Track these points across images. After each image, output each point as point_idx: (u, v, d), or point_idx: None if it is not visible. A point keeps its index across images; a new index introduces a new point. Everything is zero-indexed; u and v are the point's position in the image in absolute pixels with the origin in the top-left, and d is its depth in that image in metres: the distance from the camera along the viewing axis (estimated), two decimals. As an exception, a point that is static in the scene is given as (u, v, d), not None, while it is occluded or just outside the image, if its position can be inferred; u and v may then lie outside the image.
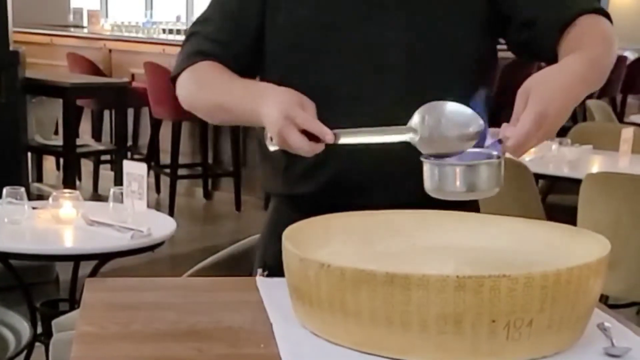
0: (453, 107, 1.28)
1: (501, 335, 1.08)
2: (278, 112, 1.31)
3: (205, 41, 1.58)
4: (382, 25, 1.50)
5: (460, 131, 1.26)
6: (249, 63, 1.58)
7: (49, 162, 6.53)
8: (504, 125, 1.26)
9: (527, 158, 3.98)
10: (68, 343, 1.20)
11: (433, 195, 1.25)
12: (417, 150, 1.28)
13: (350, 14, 1.51)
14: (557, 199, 4.17)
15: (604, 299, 3.22)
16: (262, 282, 1.41)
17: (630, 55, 9.73)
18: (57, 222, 2.92)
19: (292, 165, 1.52)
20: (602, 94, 8.56)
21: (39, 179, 6.10)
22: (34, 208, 3.04)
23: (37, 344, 2.96)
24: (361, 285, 1.09)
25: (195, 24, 1.64)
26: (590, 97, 7.91)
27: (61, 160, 6.08)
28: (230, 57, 1.56)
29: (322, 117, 1.34)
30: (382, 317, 1.10)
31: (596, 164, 4.10)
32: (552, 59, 1.41)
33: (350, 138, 1.31)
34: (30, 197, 3.67)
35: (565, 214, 3.21)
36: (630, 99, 9.75)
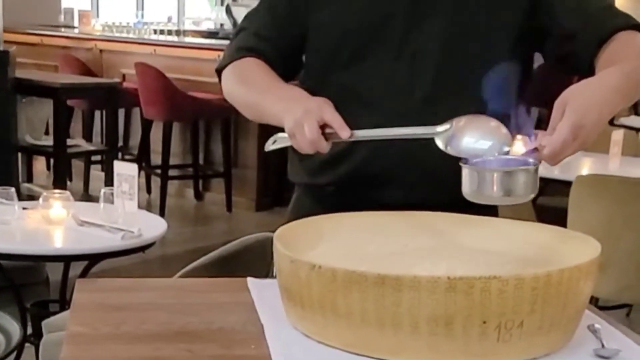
0: (487, 120, 1.34)
1: (492, 336, 1.08)
2: (302, 108, 1.37)
3: (253, 37, 1.62)
4: (423, 28, 1.53)
5: (481, 143, 1.32)
6: (294, 60, 1.63)
7: (40, 162, 6.51)
8: (541, 133, 1.30)
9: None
10: (58, 344, 1.20)
11: (470, 199, 1.28)
12: (437, 152, 1.32)
13: (394, 17, 1.54)
14: (547, 201, 4.17)
15: (594, 301, 3.23)
16: (254, 283, 1.41)
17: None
18: (48, 223, 2.91)
19: (312, 155, 1.54)
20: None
21: (29, 179, 6.09)
22: (24, 208, 3.02)
23: (27, 344, 2.96)
24: (352, 286, 1.10)
25: (245, 19, 1.69)
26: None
27: (51, 160, 6.06)
28: (277, 54, 1.60)
29: (354, 114, 1.40)
30: (373, 318, 1.10)
31: (586, 166, 4.11)
32: (589, 72, 1.45)
33: (364, 133, 1.37)
34: (21, 197, 3.66)
35: (556, 216, 3.22)
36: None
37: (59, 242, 2.91)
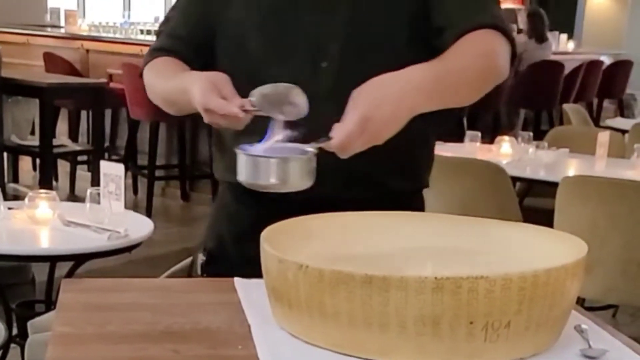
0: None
1: (479, 336, 1.08)
2: (199, 91, 1.36)
3: (167, 38, 1.66)
4: (327, 20, 1.53)
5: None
6: (209, 56, 1.62)
7: (25, 162, 6.48)
8: (336, 124, 1.27)
9: (504, 161, 4.01)
10: (44, 344, 1.19)
11: (247, 186, 1.27)
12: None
13: (296, 6, 1.54)
14: (534, 202, 4.19)
15: (580, 302, 3.24)
16: (240, 283, 1.40)
17: (606, 60, 9.82)
18: (33, 223, 2.89)
19: (230, 152, 1.54)
20: (578, 98, 8.64)
21: (15, 179, 6.06)
22: (9, 208, 3.01)
23: (12, 345, 2.94)
24: (339, 286, 1.09)
25: (161, 23, 1.73)
26: (566, 100, 7.99)
27: (37, 160, 6.04)
28: (190, 51, 1.62)
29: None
30: (361, 319, 1.10)
31: (572, 167, 4.13)
32: None
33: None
34: (6, 197, 3.64)
35: (542, 217, 3.23)
36: (606, 104, 9.83)
37: (45, 242, 2.89)
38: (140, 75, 1.66)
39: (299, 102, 1.32)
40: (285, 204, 1.34)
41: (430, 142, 1.67)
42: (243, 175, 1.25)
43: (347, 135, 1.24)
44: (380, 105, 1.27)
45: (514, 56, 1.49)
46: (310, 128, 1.30)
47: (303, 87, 1.40)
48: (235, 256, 1.62)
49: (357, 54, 1.52)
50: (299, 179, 1.24)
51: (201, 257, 1.65)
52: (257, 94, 1.34)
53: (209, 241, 1.69)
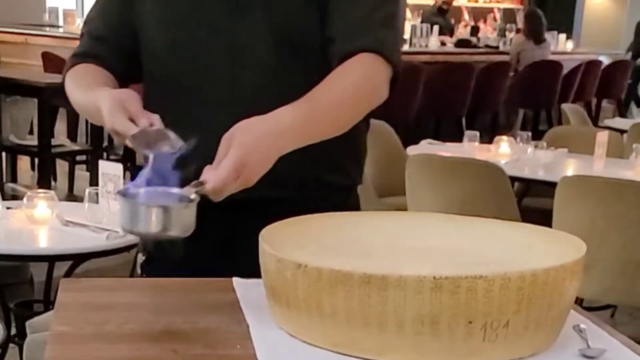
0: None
1: (478, 336, 1.08)
2: (106, 111, 1.36)
3: (87, 40, 1.64)
4: (248, 25, 1.53)
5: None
6: (134, 58, 1.61)
7: (24, 162, 6.47)
8: (207, 167, 1.27)
9: (502, 161, 4.01)
10: (42, 344, 1.19)
11: (125, 231, 1.22)
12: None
13: (218, 13, 1.54)
14: (532, 202, 4.19)
15: (578, 302, 3.24)
16: (239, 283, 1.40)
17: (605, 60, 9.83)
18: (32, 223, 2.89)
19: None
20: (577, 98, 8.64)
21: (14, 179, 6.05)
22: (8, 208, 3.01)
23: (11, 345, 2.94)
24: (338, 285, 1.09)
25: (84, 23, 1.69)
26: (565, 100, 7.99)
27: (36, 160, 6.03)
28: (111, 53, 1.61)
29: (186, 115, 1.49)
30: (359, 318, 1.10)
31: (571, 167, 4.13)
32: None
33: None
34: (5, 197, 3.64)
35: (541, 217, 3.23)
36: (605, 104, 9.84)
37: (43, 242, 2.89)
38: (63, 81, 1.63)
39: (171, 136, 1.31)
40: (224, 205, 1.31)
41: (359, 138, 1.66)
42: (122, 220, 1.20)
43: (222, 181, 1.24)
44: (255, 149, 1.28)
45: (397, 78, 1.50)
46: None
47: (220, 82, 1.49)
48: (174, 256, 1.60)
49: (280, 55, 1.53)
50: (181, 227, 1.20)
51: (141, 257, 1.63)
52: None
53: (148, 241, 1.64)
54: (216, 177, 1.24)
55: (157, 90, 1.60)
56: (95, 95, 1.45)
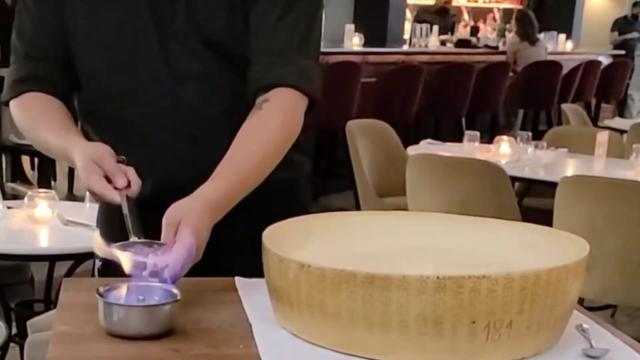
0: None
1: (481, 336, 1.08)
2: (81, 170, 1.38)
3: (25, 62, 1.59)
4: (176, 36, 1.53)
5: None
6: (73, 72, 1.59)
7: (24, 162, 6.47)
8: (152, 255, 1.27)
9: (503, 161, 4.01)
10: (43, 344, 1.19)
11: (108, 332, 1.19)
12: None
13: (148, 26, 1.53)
14: (533, 202, 4.19)
15: (579, 302, 3.24)
16: (241, 282, 1.40)
17: (604, 60, 9.83)
18: (33, 222, 2.89)
19: None
20: (576, 98, 8.65)
21: (14, 179, 6.05)
22: (8, 208, 3.01)
23: (11, 344, 2.93)
24: (341, 285, 1.09)
25: (15, 37, 1.62)
26: (564, 101, 7.99)
27: (36, 160, 6.02)
28: (55, 73, 1.58)
29: (129, 129, 1.52)
30: (362, 318, 1.10)
31: (571, 167, 4.13)
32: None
33: None
34: (5, 197, 3.63)
35: (541, 217, 3.23)
36: (604, 104, 9.84)
37: (44, 241, 2.89)
38: (6, 104, 1.60)
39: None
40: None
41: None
42: (101, 318, 1.19)
43: (182, 265, 1.27)
44: (202, 230, 1.33)
45: (314, 103, 1.53)
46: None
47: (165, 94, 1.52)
48: None
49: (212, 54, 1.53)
50: (162, 324, 1.18)
51: (97, 263, 1.60)
52: None
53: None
54: (175, 264, 1.26)
55: (97, 104, 1.59)
56: (66, 144, 1.45)
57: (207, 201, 1.37)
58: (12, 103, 1.59)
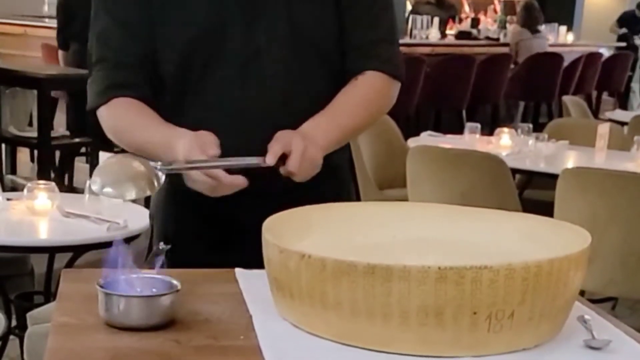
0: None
1: (482, 327, 1.08)
2: (183, 149, 1.43)
3: (116, 70, 1.60)
4: (260, 29, 1.57)
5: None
6: (156, 76, 1.61)
7: (23, 154, 6.46)
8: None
9: (503, 153, 4.00)
10: (43, 336, 1.18)
11: (109, 324, 1.19)
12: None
13: (232, 21, 1.56)
14: (533, 194, 4.18)
15: (580, 294, 3.24)
16: (242, 274, 1.40)
17: (605, 52, 9.81)
18: (32, 214, 2.88)
19: None
20: (577, 90, 8.63)
21: (13, 171, 6.04)
22: (8, 199, 3.00)
23: (11, 336, 2.93)
24: (342, 276, 1.09)
25: (98, 42, 1.63)
26: (565, 93, 7.98)
27: (35, 152, 6.02)
28: (146, 80, 1.60)
29: (206, 129, 1.49)
30: (363, 309, 1.09)
31: (572, 159, 4.12)
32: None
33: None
34: (4, 189, 3.63)
35: (542, 209, 3.22)
36: (605, 96, 9.83)
37: (43, 233, 2.88)
38: (92, 112, 1.62)
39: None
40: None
41: None
42: (102, 310, 1.19)
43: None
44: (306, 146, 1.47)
45: (403, 83, 1.68)
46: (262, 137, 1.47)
47: (252, 101, 1.56)
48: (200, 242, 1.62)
49: (297, 67, 1.59)
50: (161, 315, 1.19)
51: (162, 246, 1.60)
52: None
53: (167, 227, 1.67)
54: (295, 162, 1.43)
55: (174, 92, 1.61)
56: (171, 132, 1.50)
57: (311, 135, 1.49)
58: (102, 109, 1.60)
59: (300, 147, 1.44)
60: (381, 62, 1.63)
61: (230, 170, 1.42)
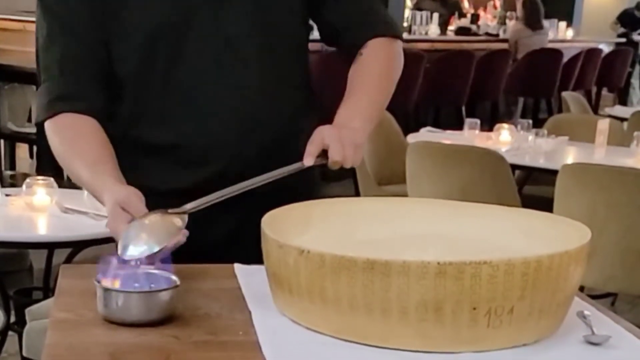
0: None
1: (482, 322, 1.07)
2: (109, 213, 1.37)
3: (60, 80, 1.51)
4: (233, 17, 1.52)
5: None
6: (109, 83, 1.53)
7: (22, 149, 6.46)
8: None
9: (503, 149, 4.00)
10: (41, 331, 1.18)
11: (107, 320, 1.18)
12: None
13: (203, 7, 1.51)
14: (533, 190, 4.18)
15: (579, 289, 3.23)
16: (241, 269, 1.39)
17: (605, 48, 9.80)
18: (31, 210, 2.87)
19: None
20: (577, 86, 8.62)
21: (12, 166, 6.04)
22: (7, 195, 2.99)
23: (10, 332, 2.93)
24: (341, 271, 1.08)
25: (44, 51, 1.54)
26: (565, 88, 7.98)
27: (34, 147, 6.01)
28: (91, 88, 1.51)
29: (183, 120, 1.50)
30: (362, 304, 1.09)
31: (572, 155, 4.12)
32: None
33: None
34: (3, 184, 3.62)
35: (542, 205, 3.21)
36: (605, 92, 9.82)
37: (42, 229, 2.88)
38: (39, 124, 1.53)
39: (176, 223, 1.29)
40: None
41: None
42: (100, 306, 1.18)
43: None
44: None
45: (402, 39, 1.70)
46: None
47: (226, 87, 1.50)
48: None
49: (270, 51, 1.55)
50: (160, 311, 1.18)
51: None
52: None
53: None
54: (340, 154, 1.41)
55: (148, 103, 1.54)
56: (97, 184, 1.42)
57: (344, 121, 1.50)
58: (46, 125, 1.51)
59: (334, 136, 1.43)
60: (378, 28, 1.64)
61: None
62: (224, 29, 1.52)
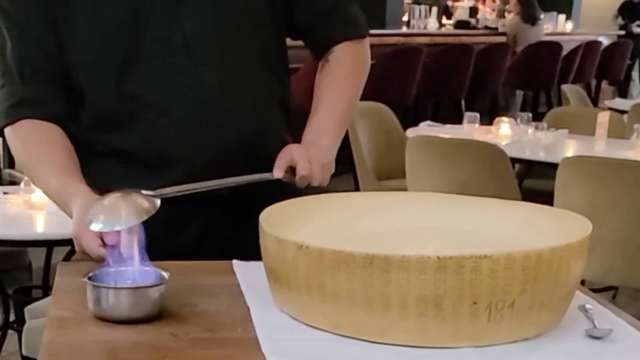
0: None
1: (482, 317, 1.06)
2: (74, 221, 1.36)
3: (21, 85, 1.48)
4: (192, 17, 1.49)
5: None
6: (70, 88, 1.50)
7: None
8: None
9: (503, 142, 3.99)
10: (41, 330, 1.17)
11: (98, 317, 1.18)
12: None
13: (158, 8, 1.47)
14: (533, 183, 4.18)
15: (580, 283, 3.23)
16: (239, 265, 1.39)
17: (605, 41, 9.79)
18: (30, 208, 2.87)
19: None
20: (576, 79, 8.62)
21: (11, 165, 6.03)
22: (5, 193, 2.99)
23: (9, 331, 2.93)
24: (340, 266, 1.07)
25: (7, 62, 1.51)
26: (564, 81, 7.97)
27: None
28: (55, 93, 1.49)
29: (139, 124, 1.47)
30: (361, 299, 1.08)
31: (572, 148, 4.11)
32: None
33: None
34: (2, 182, 3.61)
35: (542, 198, 3.21)
36: (604, 85, 9.81)
37: (41, 226, 2.87)
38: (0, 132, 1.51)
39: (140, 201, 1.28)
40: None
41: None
42: (90, 303, 1.17)
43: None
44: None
45: (369, 35, 1.68)
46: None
47: (186, 90, 1.47)
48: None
49: (230, 52, 1.51)
50: (149, 307, 1.17)
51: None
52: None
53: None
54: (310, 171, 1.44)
55: (107, 107, 1.50)
56: (70, 191, 1.40)
57: (312, 139, 1.52)
58: (7, 131, 1.49)
59: (302, 153, 1.45)
60: (345, 32, 1.63)
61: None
62: (181, 30, 1.47)
